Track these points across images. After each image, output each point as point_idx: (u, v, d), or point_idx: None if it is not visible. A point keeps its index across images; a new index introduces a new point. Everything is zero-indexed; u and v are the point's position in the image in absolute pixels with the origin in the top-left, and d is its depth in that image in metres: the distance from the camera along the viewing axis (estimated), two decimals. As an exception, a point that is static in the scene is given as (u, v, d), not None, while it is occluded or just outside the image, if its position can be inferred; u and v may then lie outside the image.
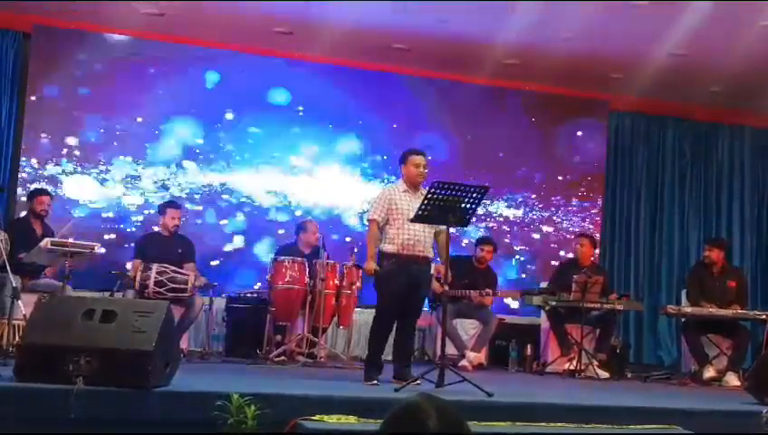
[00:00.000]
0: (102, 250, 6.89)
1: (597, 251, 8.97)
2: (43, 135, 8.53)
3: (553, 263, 9.45)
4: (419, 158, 5.89)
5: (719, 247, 8.29)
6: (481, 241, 8.48)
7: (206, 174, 8.91)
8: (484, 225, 9.58)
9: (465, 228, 8.05)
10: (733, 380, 7.60)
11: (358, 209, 9.23)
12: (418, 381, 5.42)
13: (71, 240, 6.52)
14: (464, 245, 9.22)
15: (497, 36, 8.14)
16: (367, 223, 5.98)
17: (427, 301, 7.85)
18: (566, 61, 8.69)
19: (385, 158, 9.27)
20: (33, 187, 8.11)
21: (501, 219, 9.70)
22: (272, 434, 4.21)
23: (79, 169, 8.58)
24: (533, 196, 9.80)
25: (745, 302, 8.35)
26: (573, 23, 7.73)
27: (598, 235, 9.75)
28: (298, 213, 9.05)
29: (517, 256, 9.74)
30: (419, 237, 5.78)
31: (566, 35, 8.07)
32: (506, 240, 9.68)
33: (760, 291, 10.28)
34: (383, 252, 5.82)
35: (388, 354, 6.04)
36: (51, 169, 8.51)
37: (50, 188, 8.02)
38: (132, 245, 7.82)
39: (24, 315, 5.35)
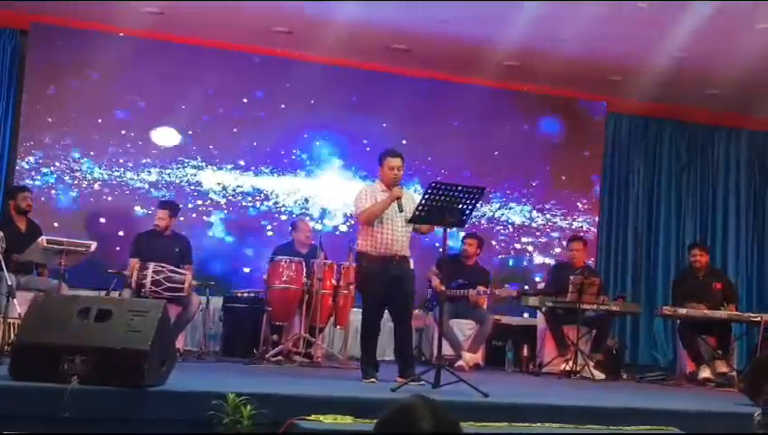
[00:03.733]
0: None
1: (592, 255, 8.98)
2: (39, 133, 8.51)
3: (550, 262, 9.47)
4: (395, 160, 5.94)
5: (706, 251, 8.57)
6: (465, 235, 8.41)
7: (203, 174, 8.89)
8: (482, 225, 9.58)
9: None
10: (721, 366, 7.78)
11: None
12: (416, 382, 5.42)
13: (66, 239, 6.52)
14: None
15: (497, 37, 8.13)
16: (358, 216, 5.97)
17: (424, 302, 7.93)
18: (565, 63, 8.69)
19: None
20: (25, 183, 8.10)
21: (498, 220, 9.70)
22: (268, 434, 4.21)
23: (76, 167, 8.57)
24: (531, 196, 9.79)
25: (737, 301, 8.51)
26: (573, 25, 7.73)
27: (593, 235, 9.78)
28: (295, 212, 9.04)
29: (513, 257, 9.73)
30: (396, 237, 5.84)
31: (565, 37, 8.07)
32: (503, 241, 9.69)
33: (755, 293, 10.30)
34: (361, 252, 5.87)
35: (390, 354, 6.06)
36: (47, 167, 8.49)
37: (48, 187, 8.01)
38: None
39: (20, 314, 5.34)
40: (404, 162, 6.00)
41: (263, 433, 4.20)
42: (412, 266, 6.08)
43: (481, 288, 8.06)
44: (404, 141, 8.80)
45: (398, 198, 5.73)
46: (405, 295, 5.98)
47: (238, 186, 8.98)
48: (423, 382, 5.37)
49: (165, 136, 8.85)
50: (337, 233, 9.14)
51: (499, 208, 9.70)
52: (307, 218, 8.81)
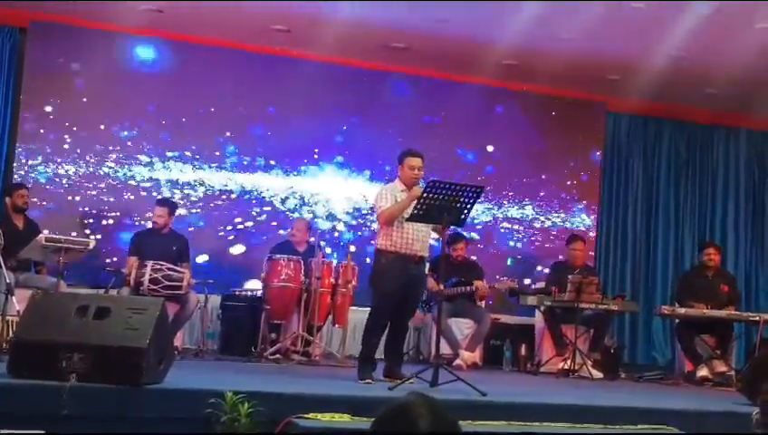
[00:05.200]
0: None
1: (591, 253, 8.98)
2: (38, 131, 8.50)
3: (548, 263, 9.47)
4: (416, 160, 5.90)
5: (719, 251, 8.57)
6: (451, 241, 8.08)
7: (202, 172, 8.89)
8: (479, 224, 9.59)
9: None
10: (719, 366, 7.79)
11: (353, 207, 9.24)
12: (412, 380, 5.42)
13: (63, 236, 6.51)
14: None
15: (496, 36, 8.13)
16: (379, 215, 5.89)
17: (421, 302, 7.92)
18: (564, 62, 8.68)
19: (380, 157, 9.24)
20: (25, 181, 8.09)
21: (496, 219, 9.70)
22: (265, 434, 4.21)
23: (75, 165, 8.56)
24: (529, 196, 9.79)
25: (739, 304, 8.51)
26: (572, 24, 7.72)
27: (593, 234, 9.80)
28: (293, 211, 9.04)
29: (512, 256, 9.74)
30: (417, 236, 5.81)
31: (564, 37, 8.06)
32: (501, 239, 9.69)
33: (754, 292, 10.31)
34: (381, 250, 5.84)
35: (379, 352, 6.05)
36: (46, 164, 8.48)
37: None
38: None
39: (18, 311, 5.34)
40: (424, 162, 5.96)
41: (260, 431, 4.20)
42: (427, 270, 6.08)
43: (477, 283, 8.06)
44: (400, 139, 8.80)
45: (418, 198, 5.72)
46: (416, 297, 6.03)
47: (236, 184, 8.97)
48: (413, 381, 5.36)
49: (163, 134, 8.84)
50: (335, 233, 9.15)
51: (497, 208, 9.69)
52: (308, 215, 8.83)
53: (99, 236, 8.19)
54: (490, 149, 9.71)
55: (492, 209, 9.68)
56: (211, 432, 4.16)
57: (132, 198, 8.69)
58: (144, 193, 8.70)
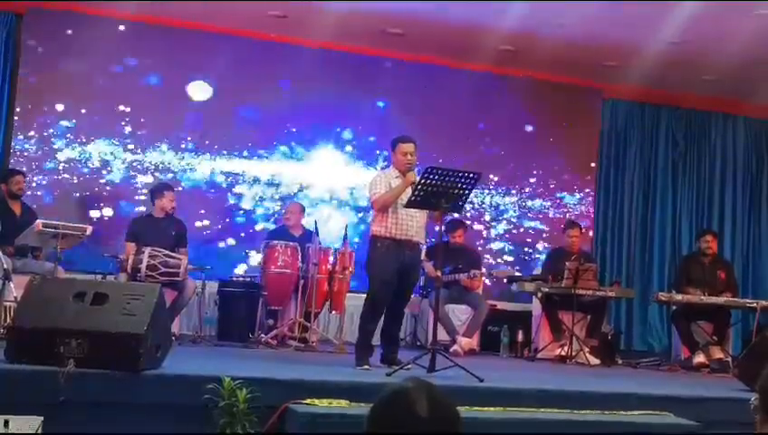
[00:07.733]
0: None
1: (588, 233, 9.01)
2: (34, 117, 8.48)
3: (546, 249, 9.48)
4: (408, 145, 5.89)
5: (716, 238, 8.59)
6: (449, 228, 8.17)
7: (198, 159, 8.87)
8: (473, 210, 9.58)
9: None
10: (716, 352, 7.84)
11: (350, 193, 9.24)
12: (410, 366, 5.44)
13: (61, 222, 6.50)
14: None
15: (492, 22, 8.11)
16: (374, 202, 5.87)
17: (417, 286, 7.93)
18: (561, 48, 8.66)
19: (377, 143, 9.23)
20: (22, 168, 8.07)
21: (492, 206, 9.70)
22: (263, 421, 4.22)
23: (71, 151, 8.54)
24: (526, 183, 9.78)
25: (737, 291, 8.50)
26: (568, 10, 7.70)
27: (590, 221, 9.81)
28: (289, 197, 9.04)
29: (508, 244, 9.74)
30: (412, 222, 5.82)
31: (561, 22, 8.04)
32: (498, 227, 9.69)
33: (751, 279, 10.33)
34: (375, 236, 5.84)
35: (376, 339, 6.06)
36: (43, 151, 8.46)
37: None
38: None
39: (16, 297, 5.33)
40: (417, 148, 5.95)
41: (258, 417, 4.21)
42: (422, 256, 6.07)
43: (475, 272, 8.06)
44: (397, 127, 8.76)
45: (413, 183, 5.68)
46: (412, 282, 6.05)
47: (232, 171, 8.95)
48: (411, 367, 5.37)
49: (161, 121, 8.81)
50: (335, 217, 9.15)
51: (495, 195, 9.69)
52: (305, 201, 8.84)
53: (100, 214, 8.20)
54: (486, 135, 9.69)
55: (489, 196, 9.67)
56: (209, 418, 4.18)
57: (129, 182, 8.67)
58: (141, 178, 8.68)
